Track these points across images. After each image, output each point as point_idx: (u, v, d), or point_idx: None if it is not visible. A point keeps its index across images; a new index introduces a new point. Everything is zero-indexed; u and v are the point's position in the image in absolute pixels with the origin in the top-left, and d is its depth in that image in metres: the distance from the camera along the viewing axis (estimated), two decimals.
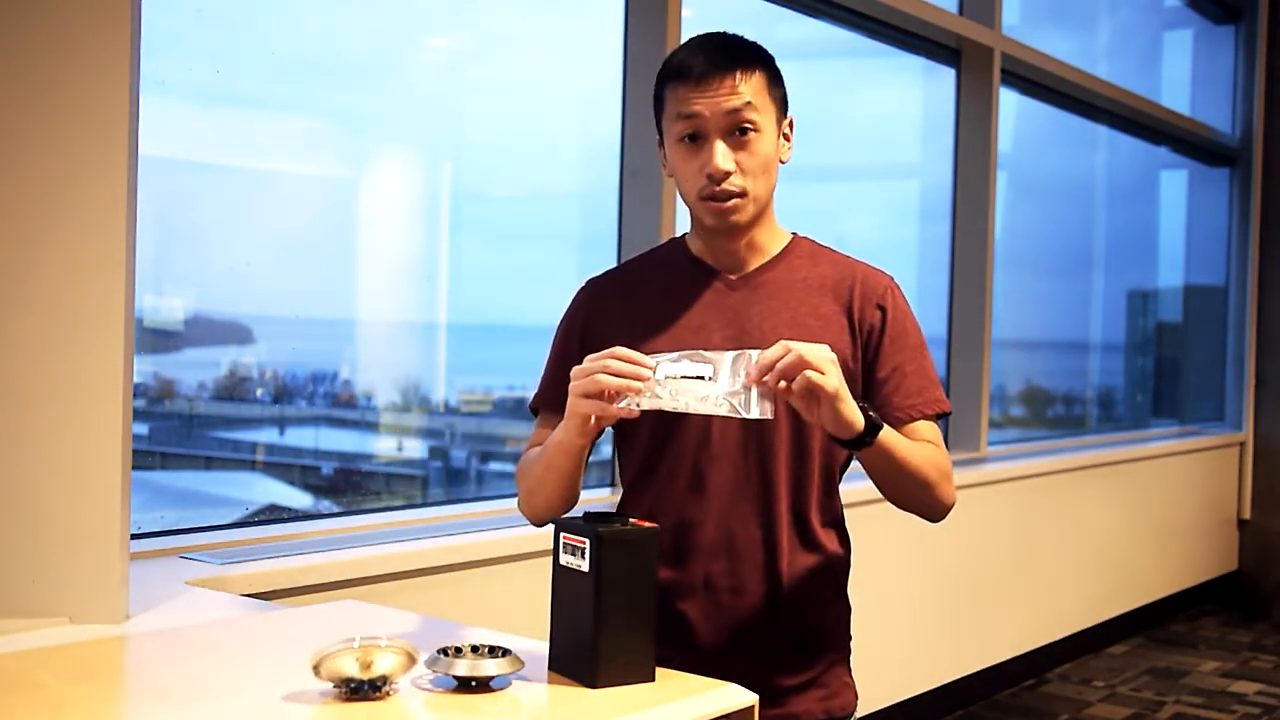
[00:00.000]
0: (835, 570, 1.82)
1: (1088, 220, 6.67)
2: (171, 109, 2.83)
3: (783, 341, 1.54)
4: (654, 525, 1.53)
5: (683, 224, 1.89)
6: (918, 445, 1.73)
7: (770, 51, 1.79)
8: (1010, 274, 5.47)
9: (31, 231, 1.91)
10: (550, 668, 1.55)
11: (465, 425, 4.04)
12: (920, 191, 5.37)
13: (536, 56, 3.85)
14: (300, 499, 3.57)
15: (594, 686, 1.47)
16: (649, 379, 1.54)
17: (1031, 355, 6.16)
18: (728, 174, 1.71)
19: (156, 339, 3.03)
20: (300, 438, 3.67)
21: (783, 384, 1.52)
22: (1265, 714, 4.72)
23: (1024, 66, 5.19)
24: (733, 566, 1.76)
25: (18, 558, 1.91)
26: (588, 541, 1.48)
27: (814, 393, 1.53)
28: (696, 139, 1.72)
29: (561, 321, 1.89)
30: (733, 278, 1.81)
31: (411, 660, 1.42)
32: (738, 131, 1.71)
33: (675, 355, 1.57)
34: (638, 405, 1.54)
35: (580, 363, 1.59)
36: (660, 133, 1.79)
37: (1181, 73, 7.14)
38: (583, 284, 1.90)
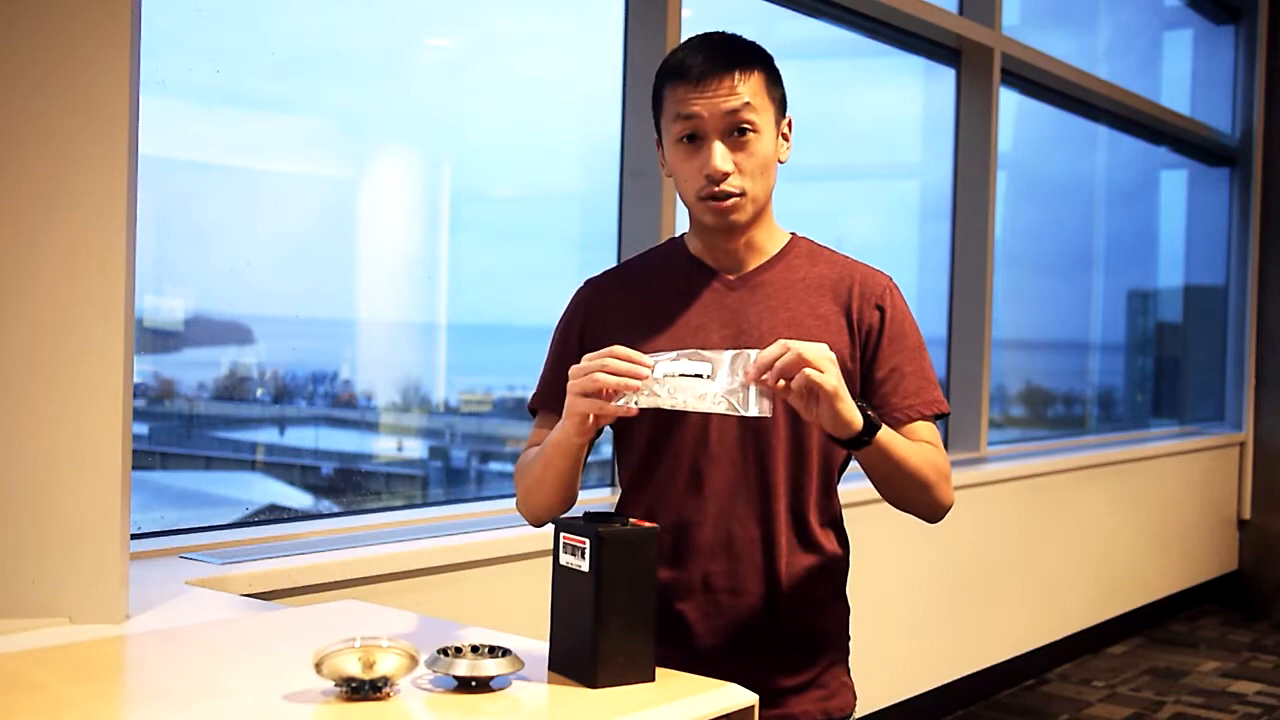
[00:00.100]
0: (834, 570, 1.82)
1: (1088, 220, 6.67)
2: (171, 109, 2.83)
3: (782, 340, 1.54)
4: (654, 525, 1.53)
5: (683, 224, 1.89)
6: (916, 446, 1.72)
7: (770, 51, 1.79)
8: (1010, 274, 5.47)
9: (31, 231, 1.91)
10: (550, 668, 1.56)
11: (465, 425, 4.04)
12: (920, 191, 5.37)
13: (537, 57, 3.85)
14: (300, 499, 3.57)
15: (594, 686, 1.48)
16: (647, 378, 1.54)
17: (1031, 355, 6.16)
18: (726, 174, 1.71)
19: (156, 339, 3.03)
20: (300, 438, 3.67)
21: (781, 383, 1.52)
22: (1265, 714, 4.72)
23: (1024, 66, 5.20)
24: (731, 567, 1.76)
25: (18, 558, 1.91)
26: (588, 541, 1.48)
27: (813, 391, 1.53)
28: (695, 139, 1.72)
29: (560, 321, 1.89)
30: (731, 278, 1.81)
31: (413, 662, 1.42)
32: (736, 132, 1.71)
33: (674, 354, 1.57)
34: (636, 404, 1.54)
35: (579, 362, 1.59)
36: (659, 132, 1.79)
37: (1181, 73, 7.14)
38: (581, 284, 1.90)
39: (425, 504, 3.41)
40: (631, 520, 1.53)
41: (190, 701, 1.46)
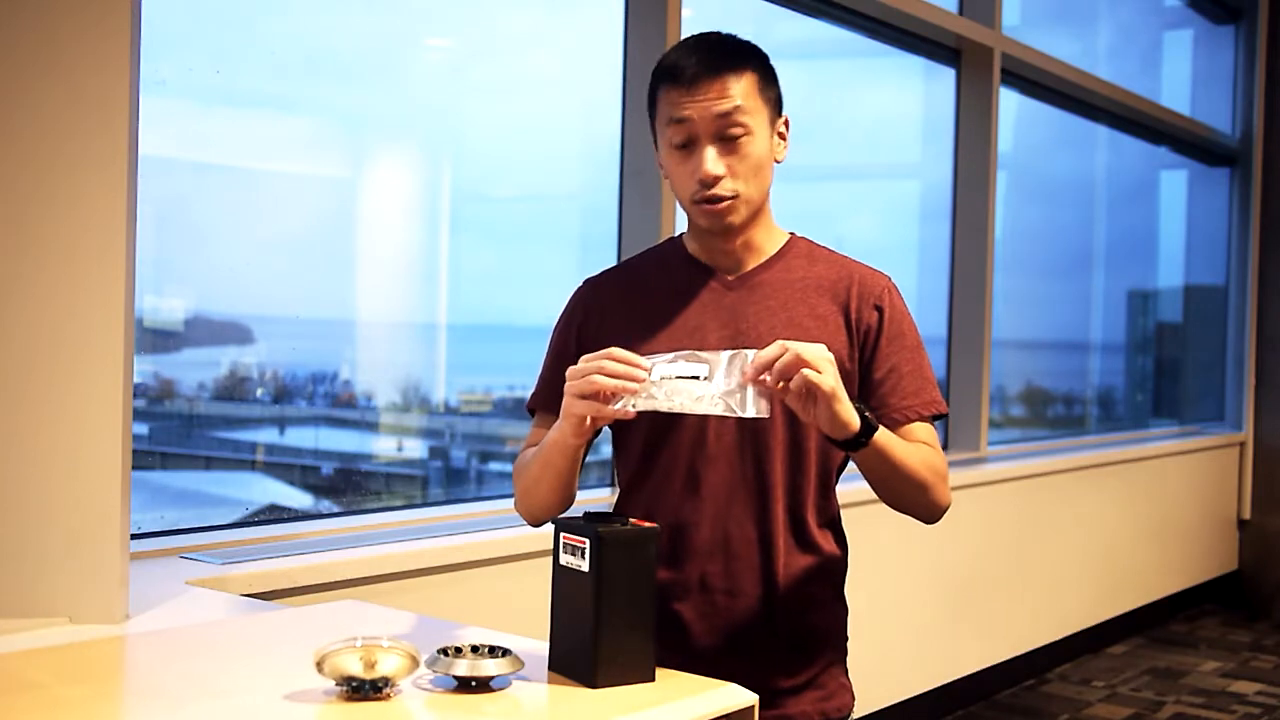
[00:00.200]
0: (832, 571, 1.82)
1: (1088, 220, 6.67)
2: (171, 109, 2.83)
3: (780, 341, 1.54)
4: (654, 525, 1.53)
5: (683, 223, 1.90)
6: (913, 447, 1.72)
7: (766, 51, 1.78)
8: (1010, 274, 5.47)
9: (31, 231, 1.91)
10: (550, 668, 1.56)
11: (465, 425, 4.04)
12: (920, 192, 5.37)
13: (537, 57, 3.85)
14: (300, 499, 3.57)
15: (594, 686, 1.48)
16: (644, 380, 1.54)
17: (1031, 355, 6.16)
18: (718, 178, 1.71)
19: (156, 339, 3.03)
20: (300, 438, 3.67)
21: (780, 384, 1.52)
22: (1265, 714, 4.72)
23: (1024, 66, 5.20)
24: (728, 567, 1.76)
25: (18, 558, 1.91)
26: (588, 541, 1.48)
27: (811, 392, 1.53)
28: (688, 143, 1.72)
29: (559, 321, 1.89)
30: (730, 278, 1.81)
31: (414, 662, 1.42)
32: (728, 135, 1.70)
33: (672, 355, 1.57)
34: (633, 406, 1.54)
35: (576, 362, 1.59)
36: (654, 134, 1.79)
37: (1181, 73, 7.14)
38: (580, 284, 1.90)
39: (425, 504, 3.41)
40: (631, 520, 1.53)
41: (190, 701, 1.46)
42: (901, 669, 4.26)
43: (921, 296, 5.05)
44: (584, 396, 1.56)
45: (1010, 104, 5.40)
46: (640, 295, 1.83)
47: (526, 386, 1.91)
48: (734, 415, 1.53)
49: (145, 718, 1.44)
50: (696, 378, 1.53)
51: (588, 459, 1.89)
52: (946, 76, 4.98)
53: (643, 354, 1.59)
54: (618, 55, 3.56)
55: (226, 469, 3.67)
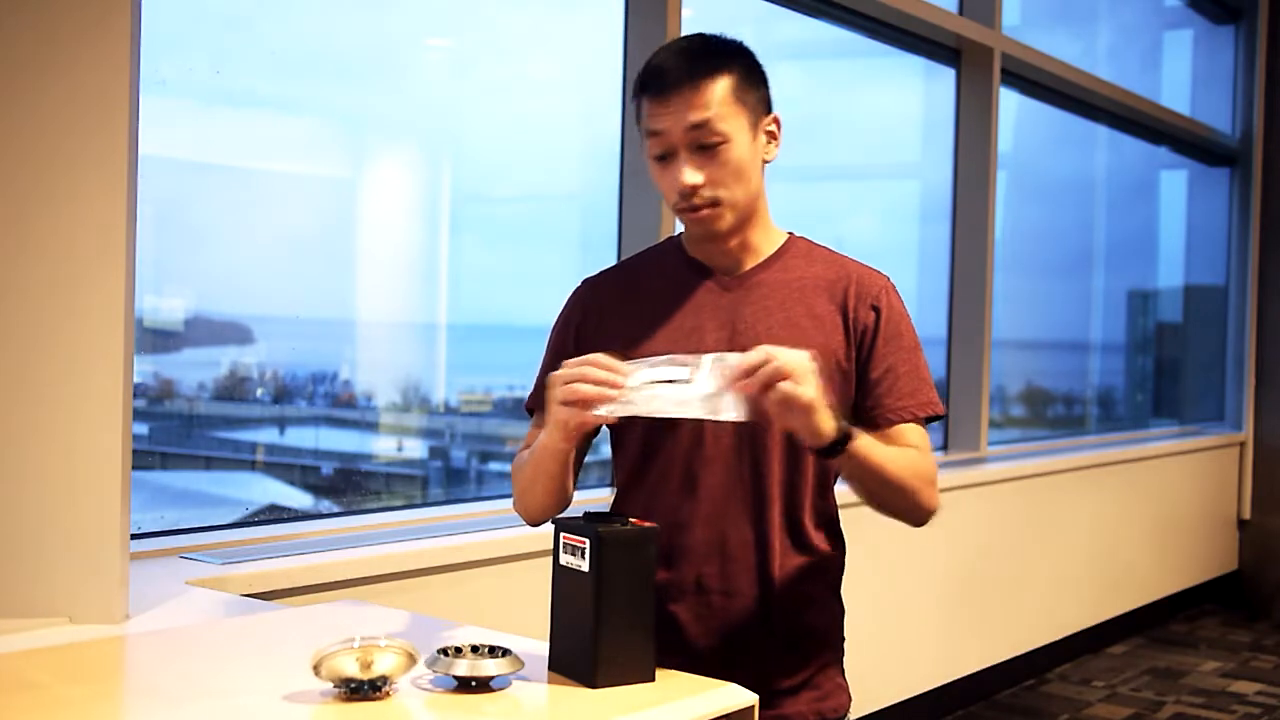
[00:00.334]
0: (828, 571, 1.82)
1: (1088, 220, 6.67)
2: (171, 109, 2.83)
3: (764, 347, 1.54)
4: (654, 525, 1.53)
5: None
6: (898, 451, 1.71)
7: (758, 50, 1.77)
8: (1010, 274, 5.47)
9: (32, 232, 1.91)
10: (550, 668, 1.56)
11: (465, 425, 4.04)
12: (920, 192, 5.37)
13: (537, 57, 3.85)
14: (300, 499, 3.58)
15: (594, 686, 1.48)
16: (623, 387, 1.54)
17: (1031, 355, 6.16)
18: (695, 188, 1.70)
19: (156, 339, 3.03)
20: (300, 438, 3.67)
21: (760, 390, 1.52)
22: (1265, 714, 4.72)
23: (1024, 66, 5.20)
24: (724, 568, 1.76)
25: (18, 558, 1.91)
26: (588, 541, 1.48)
27: (789, 403, 1.52)
28: (665, 155, 1.72)
29: (557, 322, 1.89)
30: (727, 278, 1.80)
31: (412, 660, 1.42)
32: (704, 145, 1.70)
33: (655, 360, 1.57)
34: (615, 411, 1.54)
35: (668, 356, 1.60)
36: (641, 139, 1.80)
37: (1181, 73, 7.14)
38: (578, 284, 1.90)
39: (425, 504, 3.41)
40: (631, 520, 1.53)
41: (189, 701, 1.46)
42: (901, 669, 4.26)
43: (921, 296, 5.05)
44: (567, 403, 1.56)
45: (1010, 104, 5.40)
46: (638, 296, 1.83)
47: (526, 386, 1.91)
48: (713, 419, 1.53)
49: (145, 717, 1.44)
50: (678, 382, 1.54)
51: (588, 459, 1.89)
52: (946, 76, 4.98)
53: (640, 355, 1.59)
54: (618, 55, 3.56)
55: (226, 469, 3.68)
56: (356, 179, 3.51)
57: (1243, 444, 6.80)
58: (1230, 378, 6.95)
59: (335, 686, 1.41)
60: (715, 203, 1.72)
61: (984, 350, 4.91)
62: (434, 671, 1.47)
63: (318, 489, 3.64)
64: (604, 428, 1.81)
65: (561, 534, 1.53)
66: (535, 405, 1.86)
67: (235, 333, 3.34)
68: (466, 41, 3.75)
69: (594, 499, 3.26)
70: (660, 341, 1.76)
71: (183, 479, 3.47)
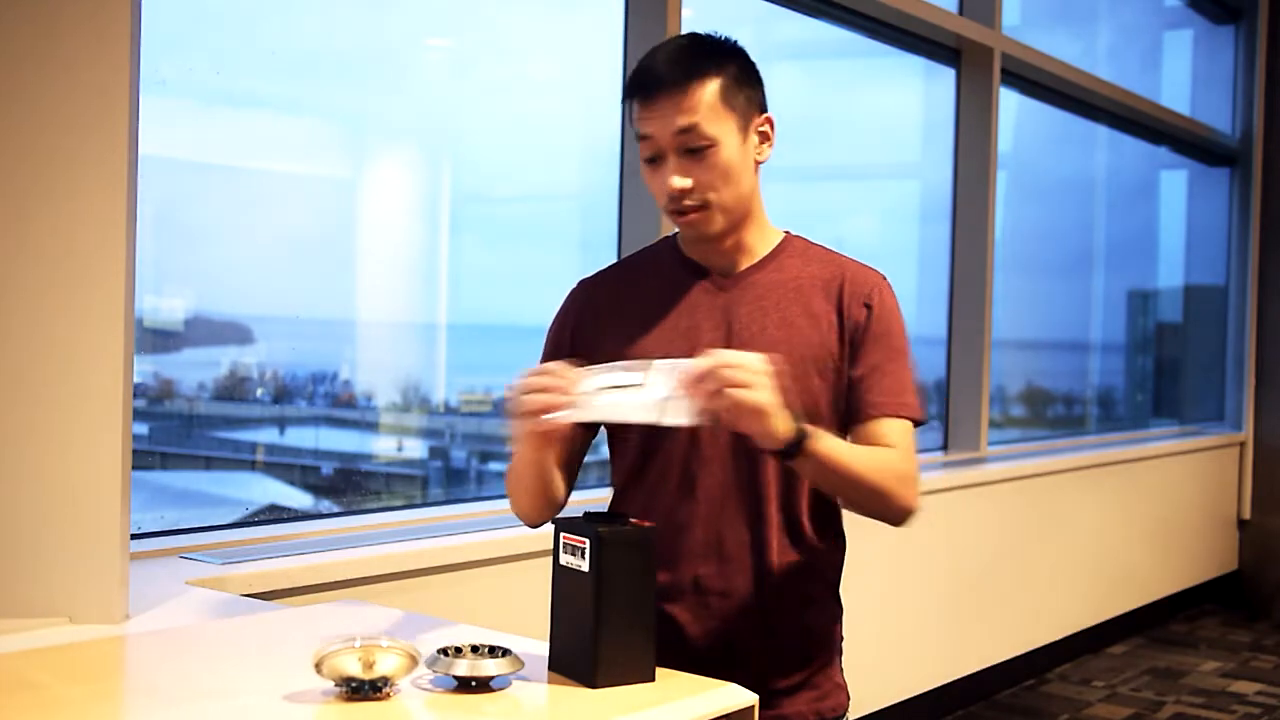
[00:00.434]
0: (826, 571, 1.82)
1: (1088, 220, 6.67)
2: (171, 109, 2.83)
3: (717, 351, 1.54)
4: (653, 525, 1.53)
5: None
6: (867, 451, 1.69)
7: (742, 48, 1.76)
8: (1010, 274, 5.47)
9: (31, 231, 1.91)
10: (550, 668, 1.56)
11: (465, 425, 4.04)
12: (920, 192, 5.37)
13: (537, 57, 3.85)
14: (300, 499, 3.58)
15: (594, 686, 1.48)
16: (570, 395, 1.55)
17: (1031, 355, 6.16)
18: (684, 192, 1.70)
19: (156, 339, 3.03)
20: (300, 438, 3.67)
21: (717, 390, 1.52)
22: (1265, 714, 4.72)
23: (1024, 66, 5.20)
24: (722, 569, 1.76)
25: (18, 558, 1.91)
26: (588, 541, 1.48)
27: (740, 407, 1.52)
28: (655, 158, 1.73)
29: (553, 323, 1.89)
30: (723, 278, 1.80)
31: (413, 662, 1.42)
32: (691, 148, 1.70)
33: (608, 365, 1.58)
34: (566, 419, 1.56)
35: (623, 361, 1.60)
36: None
37: (1181, 73, 7.14)
38: (574, 285, 1.90)
39: (425, 504, 3.41)
40: (631, 520, 1.53)
41: (189, 701, 1.46)
42: (901, 669, 4.26)
43: (921, 296, 5.05)
44: (520, 414, 1.57)
45: (1010, 104, 5.40)
46: (634, 297, 1.83)
47: None
48: (664, 424, 1.54)
49: (145, 717, 1.44)
50: (630, 387, 1.54)
51: (588, 459, 1.90)
52: (946, 76, 4.98)
53: (636, 355, 1.60)
54: (618, 55, 3.56)
55: (226, 469, 3.68)
56: (356, 179, 3.51)
57: (1243, 444, 6.80)
58: (1230, 378, 6.95)
59: (336, 685, 1.41)
60: (704, 205, 1.72)
61: (984, 350, 4.91)
62: (434, 671, 1.47)
63: (318, 489, 3.64)
64: (601, 429, 1.81)
65: (561, 534, 1.54)
66: None
67: (235, 333, 3.34)
68: (466, 42, 3.75)
69: (594, 499, 3.26)
70: (656, 342, 1.76)
71: (183, 479, 3.47)
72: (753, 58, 1.78)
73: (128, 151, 1.90)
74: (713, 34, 1.77)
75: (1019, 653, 4.93)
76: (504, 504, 3.14)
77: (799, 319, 1.76)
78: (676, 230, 1.87)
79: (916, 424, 1.76)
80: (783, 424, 1.55)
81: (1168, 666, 5.36)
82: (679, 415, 1.52)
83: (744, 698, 1.51)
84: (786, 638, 1.78)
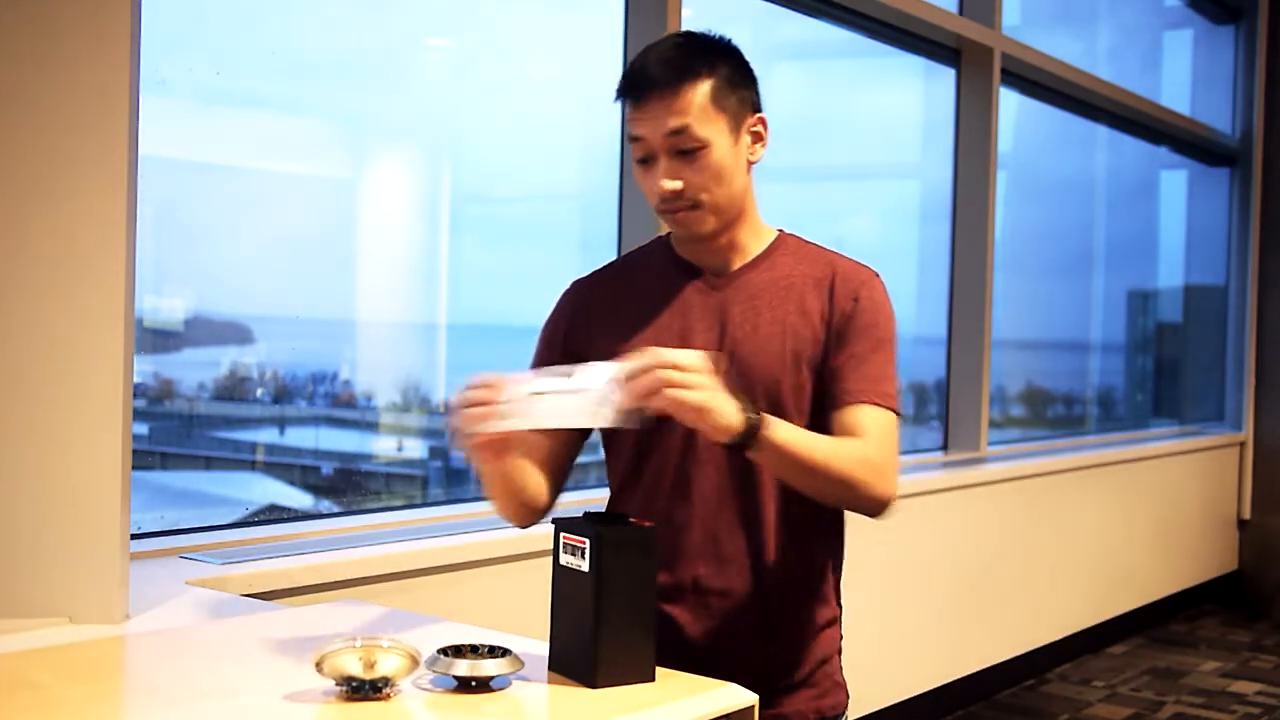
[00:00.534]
0: (825, 570, 1.82)
1: (1088, 220, 6.67)
2: (171, 109, 2.83)
3: (652, 350, 1.53)
4: (653, 525, 1.53)
5: None
6: (832, 441, 1.67)
7: (736, 48, 1.76)
8: (1010, 274, 5.47)
9: (31, 230, 1.91)
10: (550, 668, 1.56)
11: None
12: (920, 192, 5.37)
13: (537, 57, 3.85)
14: (300, 499, 3.58)
15: (594, 686, 1.48)
16: (500, 404, 1.55)
17: (1031, 355, 6.16)
18: (675, 193, 1.71)
19: (156, 339, 3.03)
20: (300, 438, 3.67)
21: (655, 390, 1.51)
22: (1265, 714, 4.72)
23: (1024, 66, 5.20)
24: (720, 569, 1.76)
25: (18, 558, 1.91)
26: (588, 541, 1.48)
27: (678, 407, 1.51)
28: (646, 159, 1.73)
29: (546, 322, 1.89)
30: (715, 278, 1.80)
31: (414, 663, 1.42)
32: (682, 150, 1.70)
33: (544, 371, 1.58)
34: (500, 428, 1.55)
35: (562, 364, 1.60)
36: None
37: (1181, 73, 7.14)
38: (568, 285, 1.90)
39: (425, 504, 3.41)
40: (631, 520, 1.53)
41: (190, 701, 1.46)
42: (901, 669, 4.26)
43: (921, 296, 5.05)
44: (459, 429, 1.57)
45: (1010, 104, 5.40)
46: (627, 296, 1.83)
47: None
48: (602, 426, 1.54)
49: (145, 717, 1.44)
50: (566, 391, 1.54)
51: (588, 459, 1.90)
52: (946, 76, 4.98)
53: (630, 355, 1.60)
54: (618, 55, 3.56)
55: (226, 469, 3.68)
56: (356, 179, 3.51)
57: (1243, 444, 6.80)
58: (1230, 378, 6.95)
59: (337, 685, 1.41)
60: (696, 205, 1.72)
61: (984, 350, 4.91)
62: (434, 671, 1.47)
63: (318, 489, 3.64)
64: (596, 432, 1.81)
65: (561, 534, 1.54)
66: None
67: (235, 333, 3.34)
68: (466, 42, 3.75)
69: (594, 499, 3.26)
70: (649, 342, 1.75)
71: (183, 479, 3.47)
72: (749, 57, 1.78)
73: (128, 151, 1.90)
74: (707, 33, 1.77)
75: (1019, 653, 4.93)
76: None
77: (792, 317, 1.76)
78: (669, 231, 1.87)
79: (894, 413, 1.73)
80: (729, 417, 1.53)
81: (1168, 666, 5.36)
82: (615, 417, 1.52)
83: (744, 697, 1.51)
84: (786, 637, 1.78)
